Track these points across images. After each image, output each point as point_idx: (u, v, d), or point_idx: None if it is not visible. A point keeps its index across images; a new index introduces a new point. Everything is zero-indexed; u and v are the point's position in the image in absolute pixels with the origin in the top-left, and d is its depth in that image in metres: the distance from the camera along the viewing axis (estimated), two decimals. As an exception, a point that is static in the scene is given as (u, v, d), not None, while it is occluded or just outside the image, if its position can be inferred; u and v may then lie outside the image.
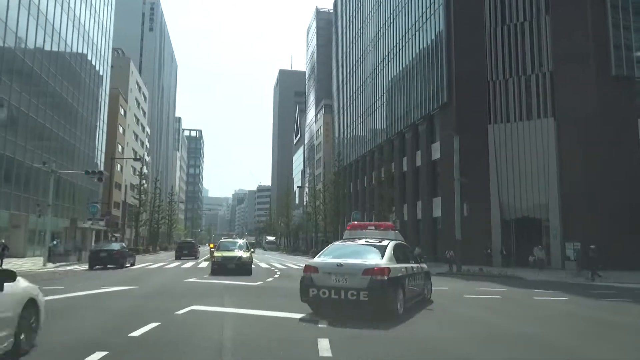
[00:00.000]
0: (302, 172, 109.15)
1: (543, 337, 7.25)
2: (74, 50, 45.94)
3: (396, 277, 8.47)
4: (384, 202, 43.49)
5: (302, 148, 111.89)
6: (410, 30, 45.84)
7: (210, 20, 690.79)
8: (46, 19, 38.58)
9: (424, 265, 11.05)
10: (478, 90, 35.10)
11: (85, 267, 25.50)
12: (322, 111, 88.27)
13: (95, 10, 52.16)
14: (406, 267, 9.23)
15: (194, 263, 28.38)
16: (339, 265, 8.38)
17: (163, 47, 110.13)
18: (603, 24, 31.49)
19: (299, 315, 8.34)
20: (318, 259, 9.07)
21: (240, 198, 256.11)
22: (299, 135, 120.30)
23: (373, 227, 11.04)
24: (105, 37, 56.50)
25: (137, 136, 76.70)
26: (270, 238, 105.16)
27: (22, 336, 5.19)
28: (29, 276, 15.59)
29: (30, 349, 5.37)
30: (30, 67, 36.02)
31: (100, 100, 55.36)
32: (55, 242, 30.36)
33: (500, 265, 30.54)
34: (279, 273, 20.84)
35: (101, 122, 55.77)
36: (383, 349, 6.17)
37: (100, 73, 55.18)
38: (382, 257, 8.63)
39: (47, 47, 39.51)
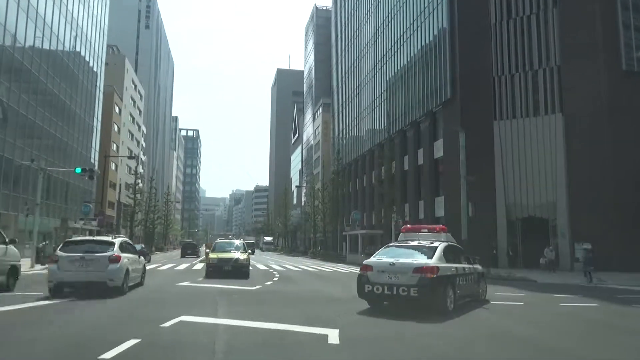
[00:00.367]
0: (300, 171, 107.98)
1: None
2: (67, 45, 44.69)
3: (445, 276, 9.12)
4: (384, 201, 42.43)
5: (300, 147, 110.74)
6: (412, 26, 44.74)
7: (206, 21, 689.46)
8: (37, 12, 37.33)
9: (477, 266, 11.44)
10: (483, 86, 34.04)
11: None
12: (321, 110, 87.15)
13: (88, 5, 50.89)
14: (456, 267, 9.80)
15: (188, 265, 27.20)
16: (391, 264, 9.13)
17: (159, 45, 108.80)
18: (612, 15, 30.45)
19: (305, 329, 7.19)
20: (373, 259, 9.82)
21: (237, 198, 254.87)
22: (297, 135, 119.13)
23: (426, 230, 11.78)
24: (99, 33, 55.25)
25: (132, 135, 75.42)
26: (268, 238, 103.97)
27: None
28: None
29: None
30: (20, 62, 34.79)
31: (94, 97, 54.10)
32: (45, 243, 29.11)
33: (506, 266, 29.54)
34: (278, 276, 19.69)
35: (95, 120, 54.47)
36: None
37: (95, 70, 53.90)
38: (432, 257, 9.28)
39: (38, 42, 38.26)
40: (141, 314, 8.57)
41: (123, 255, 11.79)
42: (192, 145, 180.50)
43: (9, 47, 32.92)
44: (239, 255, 17.85)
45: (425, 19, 41.86)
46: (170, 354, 5.67)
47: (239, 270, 17.40)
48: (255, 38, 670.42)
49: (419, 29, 43.18)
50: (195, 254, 46.48)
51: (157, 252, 60.16)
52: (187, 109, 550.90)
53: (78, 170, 26.80)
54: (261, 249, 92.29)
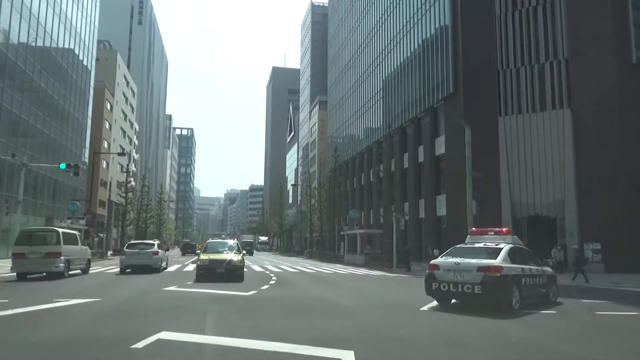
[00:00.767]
0: (296, 170, 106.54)
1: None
2: (54, 38, 43.02)
3: (510, 275, 9.59)
4: (384, 200, 41.11)
5: (295, 146, 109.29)
6: (412, 19, 43.44)
7: (201, 20, 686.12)
8: (22, 2, 35.72)
9: (547, 268, 11.72)
10: (487, 80, 32.80)
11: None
12: (317, 107, 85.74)
13: (78, -3, 49.23)
14: (522, 268, 10.18)
15: (179, 266, 25.73)
16: (457, 263, 9.86)
17: (153, 42, 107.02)
18: (622, 6, 29.21)
19: (312, 351, 5.79)
20: (440, 259, 10.56)
21: (232, 198, 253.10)
22: (292, 133, 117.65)
23: (492, 233, 11.83)
24: (89, 26, 53.56)
25: (124, 132, 73.74)
26: (263, 238, 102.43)
27: None
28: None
29: None
30: (4, 54, 33.19)
31: (84, 93, 52.43)
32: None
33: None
34: (275, 278, 18.27)
35: (84, 116, 52.77)
36: None
37: (85, 63, 52.22)
38: (497, 257, 9.81)
39: (24, 34, 36.64)
40: (112, 331, 7.13)
41: (160, 250, 22.02)
42: (186, 144, 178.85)
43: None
44: (233, 257, 16.38)
45: (426, 12, 40.57)
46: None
47: (233, 273, 15.96)
48: (250, 37, 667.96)
49: (419, 22, 41.90)
50: (195, 253, 47.93)
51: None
52: (181, 108, 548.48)
53: (62, 166, 25.29)
54: (256, 249, 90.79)
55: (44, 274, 17.26)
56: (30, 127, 38.27)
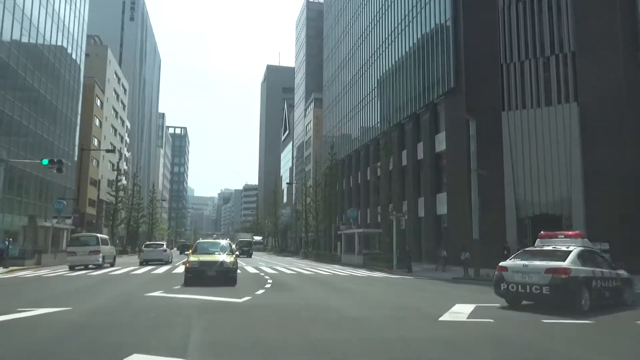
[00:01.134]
0: (291, 169, 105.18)
1: None
2: (41, 30, 41.43)
3: (579, 277, 9.79)
4: (381, 198, 39.93)
5: (290, 144, 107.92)
6: (410, 13, 42.22)
7: (194, 18, 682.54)
8: (5, -9, 34.18)
9: (621, 271, 11.54)
10: (490, 74, 31.58)
11: (44, 271, 21.59)
12: (312, 105, 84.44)
13: (66, -11, 47.64)
14: (593, 271, 10.27)
15: (169, 267, 24.39)
16: (525, 265, 10.22)
17: (145, 38, 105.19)
18: (632, -2, 28.14)
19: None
20: (509, 261, 10.99)
21: (226, 197, 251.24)
22: (287, 131, 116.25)
23: (562, 236, 11.95)
24: (78, 20, 51.95)
25: (115, 130, 72.09)
26: (257, 238, 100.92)
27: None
28: None
29: None
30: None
31: (73, 89, 50.82)
32: (6, 243, 26.12)
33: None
34: (271, 281, 16.95)
35: (73, 112, 51.15)
36: None
37: (73, 57, 50.61)
38: (565, 260, 9.99)
39: (8, 26, 35.08)
40: (71, 355, 5.79)
41: (167, 249, 31.63)
42: (179, 143, 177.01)
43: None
44: (225, 258, 14.95)
45: (425, 5, 39.36)
46: None
47: (225, 276, 14.57)
48: (244, 35, 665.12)
49: (418, 15, 40.69)
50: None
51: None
52: (174, 108, 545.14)
53: (44, 161, 23.87)
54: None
55: (90, 265, 24.07)
56: (15, 123, 36.76)
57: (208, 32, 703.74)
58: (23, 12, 37.41)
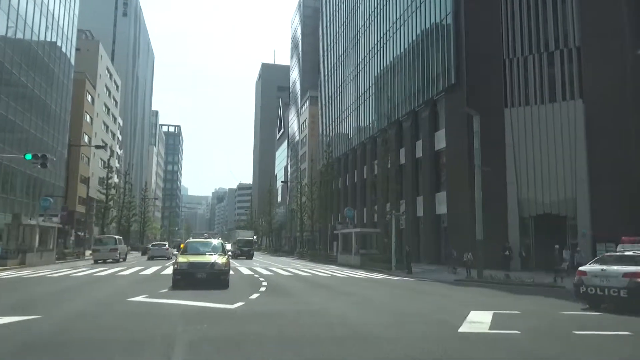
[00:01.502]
0: (286, 168, 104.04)
1: None
2: (29, 23, 40.05)
3: None
4: (379, 197, 38.96)
5: (285, 143, 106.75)
6: (409, 7, 41.23)
7: (189, 16, 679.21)
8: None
9: None
10: (492, 70, 30.67)
11: (27, 272, 20.45)
12: (308, 103, 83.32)
13: (55, -20, 46.25)
14: None
15: (158, 268, 23.27)
16: (603, 270, 10.71)
17: (138, 34, 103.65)
18: (639, -9, 27.28)
19: None
20: (588, 266, 11.39)
21: (220, 196, 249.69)
22: (282, 130, 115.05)
23: None
24: (69, 13, 50.58)
25: (107, 127, 70.70)
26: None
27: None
28: None
29: None
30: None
31: (63, 84, 49.46)
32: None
33: (519, 269, 26.30)
34: (266, 284, 15.88)
35: (63, 108, 49.79)
36: None
37: (63, 50, 49.23)
38: None
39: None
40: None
41: (169, 247, 41.71)
42: (173, 141, 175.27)
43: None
44: (217, 259, 13.82)
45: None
46: None
47: (216, 279, 13.46)
48: (239, 33, 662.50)
49: (417, 10, 39.72)
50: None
51: (132, 251, 55.65)
52: (168, 106, 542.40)
53: (28, 156, 22.69)
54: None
55: (111, 260, 31.46)
56: (1, 118, 35.45)
57: (202, 30, 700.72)
58: (9, 3, 36.07)
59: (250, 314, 9.05)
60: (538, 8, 29.99)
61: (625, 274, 10.09)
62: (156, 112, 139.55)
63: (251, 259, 43.98)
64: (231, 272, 16.20)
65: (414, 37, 40.42)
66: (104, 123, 68.85)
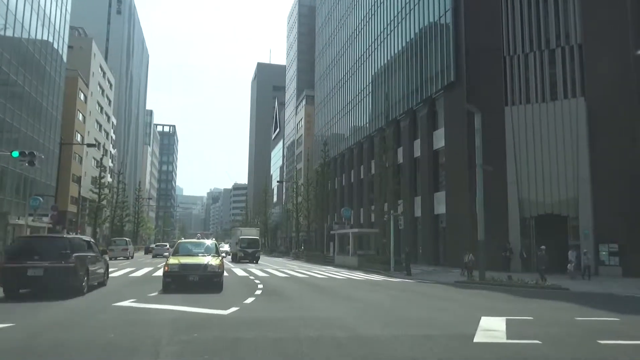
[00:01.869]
0: (281, 168, 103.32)
1: None
2: (19, 18, 39.11)
3: None
4: (376, 197, 38.31)
5: (281, 143, 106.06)
6: (408, 5, 40.63)
7: (184, 15, 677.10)
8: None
9: None
10: (492, 67, 30.12)
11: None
12: (304, 102, 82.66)
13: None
14: None
15: (150, 269, 22.54)
16: None
17: (132, 33, 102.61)
18: (643, -13, 26.76)
19: None
20: None
21: (215, 197, 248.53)
22: (277, 130, 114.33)
23: None
24: (61, 9, 49.63)
25: (100, 126, 69.71)
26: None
27: None
28: None
29: None
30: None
31: (55, 81, 48.51)
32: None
33: (520, 270, 25.71)
34: (261, 286, 15.19)
35: (54, 106, 48.84)
36: None
37: (55, 47, 48.27)
38: None
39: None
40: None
41: (170, 248, 32.64)
42: (168, 141, 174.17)
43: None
44: (210, 261, 13.07)
45: (423, -4, 37.79)
46: None
47: (209, 281, 12.74)
48: (234, 32, 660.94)
49: (416, 6, 39.13)
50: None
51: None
52: (163, 106, 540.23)
53: (15, 154, 21.87)
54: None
55: (122, 257, 36.75)
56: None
57: (197, 30, 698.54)
58: (-1, -3, 35.17)
59: (244, 320, 8.35)
60: (539, 4, 29.46)
61: None
62: (151, 112, 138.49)
63: (257, 262, 36.20)
64: (225, 273, 15.50)
65: (412, 35, 39.83)
66: (97, 122, 67.87)
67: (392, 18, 44.04)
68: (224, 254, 15.60)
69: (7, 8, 36.61)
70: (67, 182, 52.41)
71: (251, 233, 43.59)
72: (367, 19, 50.83)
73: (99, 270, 13.55)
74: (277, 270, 25.95)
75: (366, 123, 49.77)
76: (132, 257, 38.97)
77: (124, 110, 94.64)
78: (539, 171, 28.22)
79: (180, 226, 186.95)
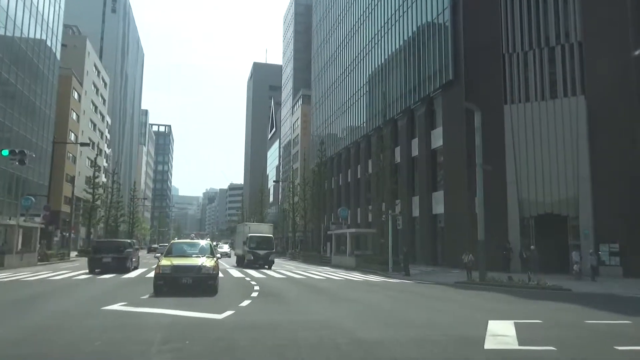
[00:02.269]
0: (278, 167, 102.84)
1: None
2: (11, 15, 38.52)
3: None
4: (374, 197, 37.93)
5: (277, 143, 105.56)
6: (406, 1, 40.24)
7: (179, 15, 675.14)
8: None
9: None
10: (491, 65, 29.81)
11: (4, 274, 19.23)
12: (300, 102, 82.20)
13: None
14: None
15: (143, 271, 22.04)
16: None
17: (127, 31, 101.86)
18: (643, -16, 26.48)
19: None
20: None
21: (211, 197, 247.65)
22: (274, 130, 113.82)
23: None
24: (54, 7, 49.01)
25: (95, 125, 69.04)
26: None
27: None
28: None
29: None
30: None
31: (48, 80, 47.89)
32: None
33: (519, 270, 25.35)
34: (258, 288, 14.76)
35: (48, 105, 48.20)
36: None
37: (48, 44, 47.64)
38: None
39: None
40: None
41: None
42: (163, 141, 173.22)
43: None
44: (204, 262, 12.53)
45: (421, -6, 37.44)
46: None
47: (204, 284, 12.17)
48: (230, 32, 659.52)
49: (414, 4, 38.76)
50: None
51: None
52: (158, 106, 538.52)
53: (4, 152, 21.35)
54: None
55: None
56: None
57: (193, 29, 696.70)
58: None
59: (240, 325, 7.91)
60: (539, 1, 29.16)
61: None
62: (146, 111, 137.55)
63: (270, 268, 28.64)
64: (220, 274, 15.05)
65: (410, 33, 39.48)
66: (92, 121, 67.20)
67: (389, 16, 43.68)
68: (219, 255, 15.04)
69: (0, 5, 36.06)
70: (61, 182, 51.81)
71: (262, 230, 35.21)
72: (364, 17, 50.47)
73: (135, 259, 23.38)
74: (273, 271, 25.52)
75: (363, 122, 49.40)
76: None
77: (119, 109, 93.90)
78: (539, 170, 27.90)
79: (176, 226, 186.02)
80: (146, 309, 9.40)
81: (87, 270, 20.74)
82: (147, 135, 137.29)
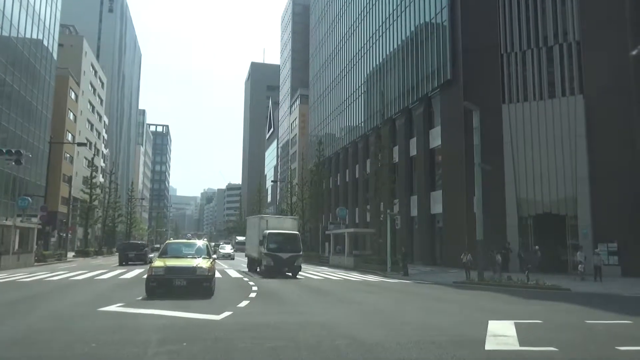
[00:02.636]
0: (276, 167, 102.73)
1: None
2: (7, 15, 38.31)
3: None
4: (372, 197, 37.84)
5: (275, 142, 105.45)
6: (404, 1, 40.18)
7: (177, 15, 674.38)
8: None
9: None
10: (489, 65, 29.78)
11: (2, 274, 19.13)
12: (298, 101, 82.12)
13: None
14: None
15: (140, 271, 21.93)
16: None
17: (124, 31, 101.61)
18: (642, -17, 26.47)
19: None
20: None
21: (209, 197, 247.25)
22: (272, 129, 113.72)
23: None
24: (51, 6, 48.79)
25: (92, 125, 68.81)
26: (241, 238, 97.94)
27: None
28: None
29: None
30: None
31: (45, 80, 47.67)
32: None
33: (518, 270, 25.31)
34: (256, 288, 14.66)
35: (45, 105, 48.00)
36: None
37: (45, 44, 47.44)
38: None
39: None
40: None
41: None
42: (161, 141, 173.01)
43: None
44: (200, 263, 12.18)
45: (420, -7, 37.36)
46: None
47: (198, 286, 11.79)
48: (228, 32, 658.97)
49: (411, 4, 38.70)
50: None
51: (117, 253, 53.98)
52: (156, 106, 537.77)
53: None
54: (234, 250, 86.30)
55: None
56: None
57: (191, 29, 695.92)
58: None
59: (238, 326, 7.82)
60: (537, 1, 29.12)
61: None
62: (143, 111, 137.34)
63: (296, 275, 21.54)
64: (218, 274, 14.98)
65: (408, 33, 39.43)
66: (89, 121, 66.98)
67: (387, 16, 43.62)
68: (215, 256, 14.78)
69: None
70: (58, 182, 51.60)
71: (285, 225, 25.09)
72: (362, 17, 50.39)
73: (150, 255, 30.22)
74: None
75: (361, 122, 49.33)
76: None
77: (116, 109, 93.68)
78: (537, 170, 27.88)
79: (174, 226, 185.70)
80: (142, 310, 9.30)
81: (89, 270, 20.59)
82: (144, 135, 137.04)
